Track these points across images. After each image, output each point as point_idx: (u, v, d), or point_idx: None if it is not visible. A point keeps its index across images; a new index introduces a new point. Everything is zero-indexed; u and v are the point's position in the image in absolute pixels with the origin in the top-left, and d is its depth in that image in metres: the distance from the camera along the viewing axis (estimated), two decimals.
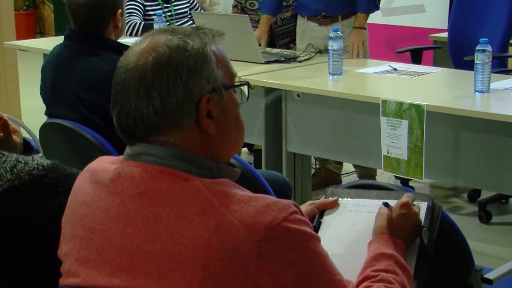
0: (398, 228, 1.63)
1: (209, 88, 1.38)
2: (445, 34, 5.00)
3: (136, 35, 4.97)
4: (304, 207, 1.80)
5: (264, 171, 3.47)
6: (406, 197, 1.68)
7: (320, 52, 4.41)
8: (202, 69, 1.38)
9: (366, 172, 4.45)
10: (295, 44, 4.80)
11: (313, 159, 4.72)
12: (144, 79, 1.36)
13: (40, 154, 1.87)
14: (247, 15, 4.34)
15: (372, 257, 1.58)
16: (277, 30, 4.86)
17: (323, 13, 4.40)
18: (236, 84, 1.46)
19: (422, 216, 1.69)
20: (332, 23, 4.38)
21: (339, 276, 1.39)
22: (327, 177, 4.66)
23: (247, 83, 1.49)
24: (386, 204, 1.67)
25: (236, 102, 1.45)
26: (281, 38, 4.88)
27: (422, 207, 1.71)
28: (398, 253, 1.58)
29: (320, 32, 4.42)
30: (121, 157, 1.44)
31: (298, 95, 3.73)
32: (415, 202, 1.71)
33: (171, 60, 1.37)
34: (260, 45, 4.32)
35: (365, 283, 1.52)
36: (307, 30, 4.50)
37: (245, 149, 5.42)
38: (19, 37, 6.34)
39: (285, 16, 4.85)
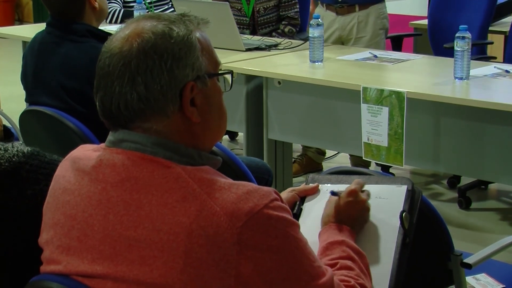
0: (345, 216, 1.66)
1: (193, 75, 1.38)
2: (425, 21, 5.02)
3: (116, 22, 4.95)
4: (285, 194, 1.81)
5: (245, 157, 3.47)
6: (353, 184, 1.70)
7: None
8: (187, 57, 1.37)
9: (360, 161, 4.45)
10: (277, 33, 4.80)
11: (299, 146, 4.74)
12: (128, 65, 1.36)
13: (20, 142, 1.86)
14: (227, 3, 4.32)
15: (324, 247, 1.60)
16: (259, 19, 4.85)
17: (340, 1, 4.38)
18: (220, 72, 1.46)
19: (401, 200, 1.70)
20: (349, 12, 4.36)
21: (318, 263, 1.41)
22: (308, 164, 4.67)
23: (231, 72, 1.49)
24: (333, 193, 1.69)
25: (219, 90, 1.45)
26: (263, 28, 4.87)
27: (401, 191, 1.72)
28: (347, 238, 1.60)
29: (337, 21, 4.39)
30: (103, 144, 1.43)
31: (279, 83, 3.73)
32: (394, 187, 1.72)
33: (156, 46, 1.36)
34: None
35: None
36: (325, 19, 4.47)
37: (226, 137, 5.42)
38: None
39: (268, 6, 4.84)
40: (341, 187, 1.76)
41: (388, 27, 4.47)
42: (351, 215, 1.66)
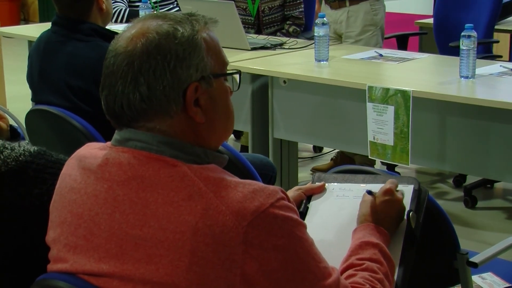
0: (382, 215, 1.64)
1: (197, 76, 1.37)
2: (431, 20, 5.01)
3: (121, 21, 4.96)
4: (291, 193, 1.80)
5: (250, 154, 3.48)
6: (389, 183, 1.68)
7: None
8: (190, 57, 1.37)
9: (366, 160, 4.44)
10: (282, 33, 4.81)
11: (304, 145, 4.74)
12: (131, 64, 1.36)
13: (27, 141, 1.86)
14: (232, 1, 4.32)
15: (358, 245, 1.58)
16: (264, 19, 4.85)
17: None
18: (226, 72, 1.44)
19: (408, 199, 1.70)
20: (340, 7, 4.40)
21: (324, 264, 1.40)
22: (342, 160, 4.64)
23: (238, 72, 1.48)
24: (369, 192, 1.68)
25: (226, 90, 1.44)
26: (268, 27, 4.87)
27: (408, 190, 1.72)
28: (383, 242, 1.59)
29: (330, 15, 4.42)
30: (109, 143, 1.44)
31: (285, 82, 3.73)
32: (400, 186, 1.71)
33: (160, 46, 1.36)
34: None
35: (350, 271, 1.53)
36: (323, 11, 4.49)
37: (231, 136, 5.43)
38: (3, 24, 6.30)
39: (272, 5, 4.84)
40: (352, 187, 1.76)
41: (382, 24, 4.47)
42: (389, 214, 1.64)
